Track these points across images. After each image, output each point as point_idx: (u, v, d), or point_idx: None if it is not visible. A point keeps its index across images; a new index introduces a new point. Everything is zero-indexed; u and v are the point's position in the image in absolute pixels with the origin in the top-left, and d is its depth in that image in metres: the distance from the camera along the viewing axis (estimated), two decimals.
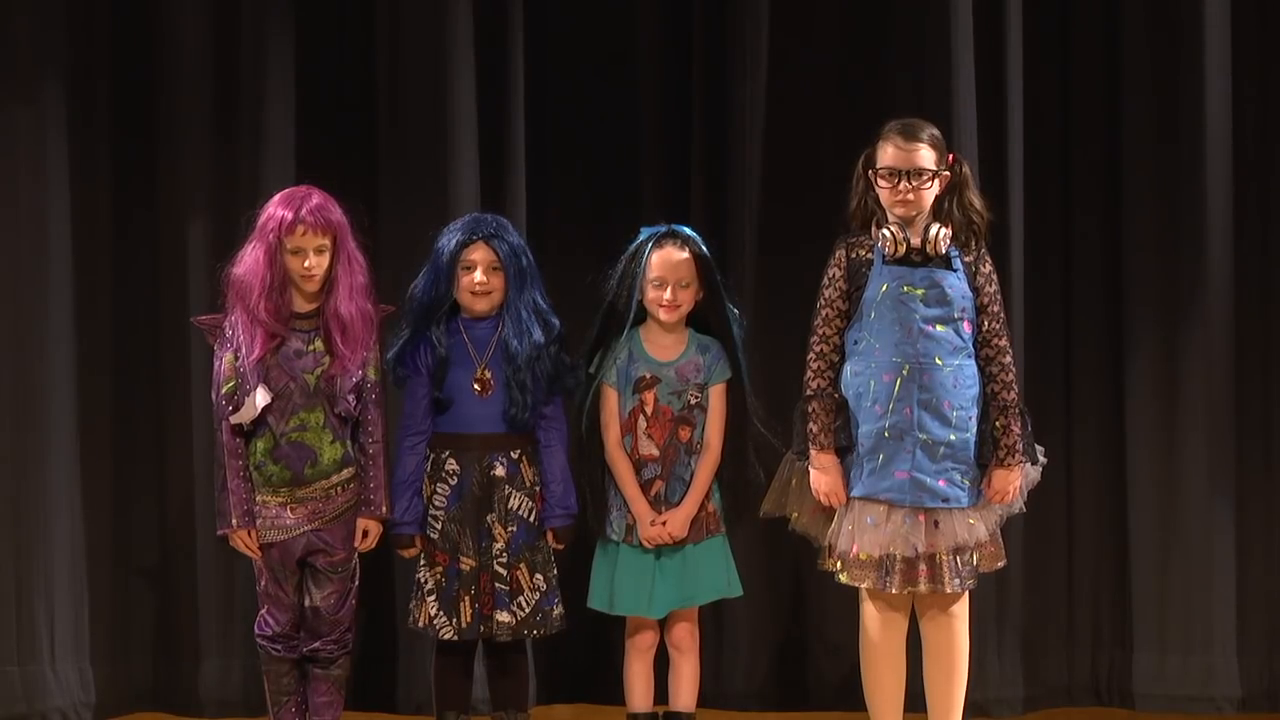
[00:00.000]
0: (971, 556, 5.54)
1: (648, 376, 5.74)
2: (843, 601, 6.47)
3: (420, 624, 5.73)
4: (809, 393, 5.58)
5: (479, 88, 6.50)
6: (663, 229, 5.76)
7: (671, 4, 6.69)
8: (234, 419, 5.60)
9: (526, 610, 5.70)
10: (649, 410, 5.73)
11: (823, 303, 5.60)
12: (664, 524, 5.71)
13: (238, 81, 6.51)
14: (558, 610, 5.75)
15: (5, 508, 6.36)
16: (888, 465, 5.48)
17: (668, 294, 5.70)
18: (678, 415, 5.74)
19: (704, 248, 5.74)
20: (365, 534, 5.72)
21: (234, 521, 5.64)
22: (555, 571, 5.77)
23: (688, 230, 5.77)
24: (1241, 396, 6.58)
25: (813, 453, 5.55)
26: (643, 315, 5.77)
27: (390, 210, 6.52)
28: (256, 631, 5.75)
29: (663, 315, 5.72)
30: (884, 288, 5.50)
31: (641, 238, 5.77)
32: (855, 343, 5.54)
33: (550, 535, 5.76)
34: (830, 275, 5.59)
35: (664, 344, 5.77)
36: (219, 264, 5.71)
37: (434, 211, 6.39)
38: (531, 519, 5.72)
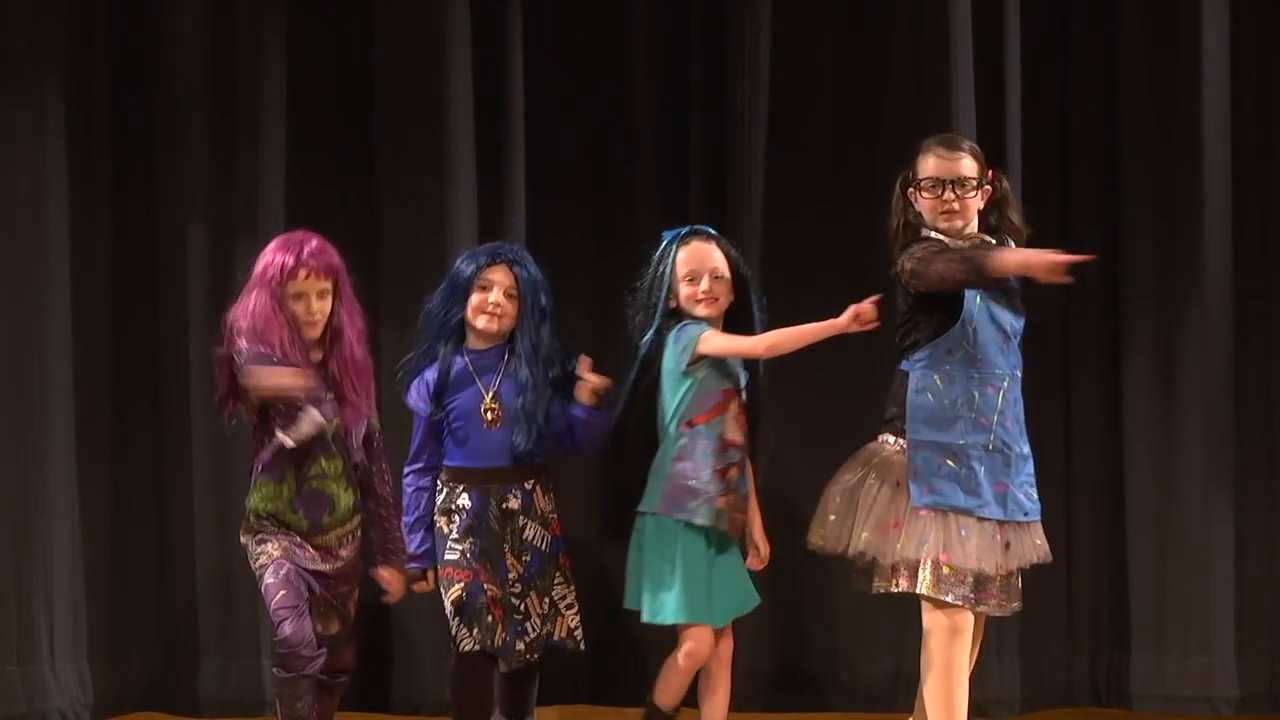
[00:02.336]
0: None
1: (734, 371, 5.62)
2: (842, 602, 6.50)
3: (464, 646, 5.63)
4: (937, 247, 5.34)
5: (476, 88, 6.49)
6: (685, 229, 5.65)
7: (670, 3, 6.68)
8: (290, 435, 5.41)
9: (533, 634, 5.64)
10: (737, 399, 5.60)
11: (923, 249, 5.36)
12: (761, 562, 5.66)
13: (234, 83, 6.51)
14: (575, 627, 5.69)
15: (5, 508, 6.36)
16: (990, 479, 5.40)
17: (704, 285, 5.56)
18: (745, 407, 5.65)
19: (731, 246, 5.65)
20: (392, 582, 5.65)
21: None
22: (572, 589, 5.69)
23: (710, 230, 5.68)
24: (1240, 395, 6.57)
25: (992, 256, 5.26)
26: (676, 319, 5.60)
27: (388, 213, 6.51)
28: (275, 648, 5.50)
29: (701, 310, 5.56)
30: (977, 299, 5.40)
31: (665, 240, 5.64)
32: (949, 352, 5.40)
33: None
34: (924, 244, 5.38)
35: None
36: (224, 272, 5.69)
37: (432, 215, 6.42)
38: (544, 548, 5.66)
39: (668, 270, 5.57)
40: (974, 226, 5.47)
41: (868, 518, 5.46)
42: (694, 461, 5.54)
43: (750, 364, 5.65)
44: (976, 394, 5.41)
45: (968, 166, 5.44)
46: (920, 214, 5.46)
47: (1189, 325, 6.54)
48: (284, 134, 6.51)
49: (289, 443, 5.40)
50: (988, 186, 5.48)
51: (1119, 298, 6.62)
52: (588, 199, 6.71)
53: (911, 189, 5.48)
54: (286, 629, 5.39)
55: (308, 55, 6.58)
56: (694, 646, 5.57)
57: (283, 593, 5.44)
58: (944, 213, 5.44)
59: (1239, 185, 6.58)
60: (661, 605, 5.56)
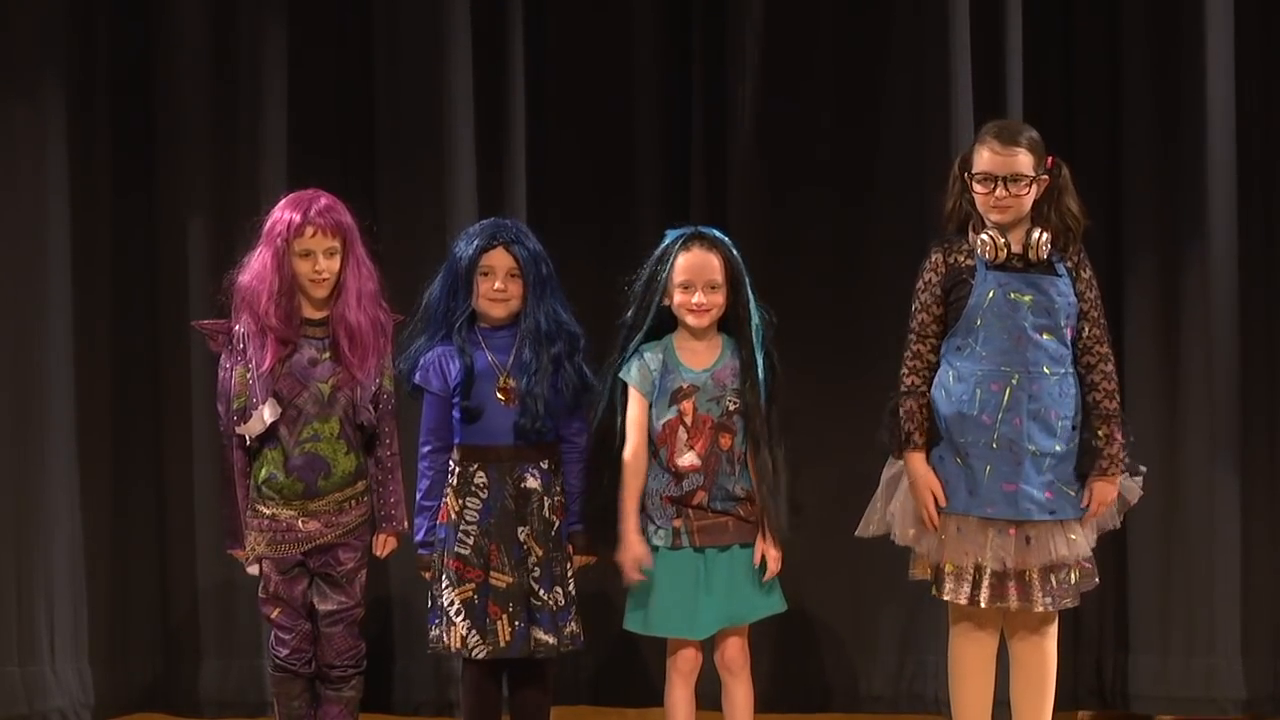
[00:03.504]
0: (1069, 575, 5.43)
1: (685, 386, 5.48)
2: (842, 601, 6.46)
3: (453, 648, 5.51)
4: (904, 389, 5.43)
5: (476, 87, 6.47)
6: (689, 230, 5.54)
7: (671, 2, 6.66)
8: (240, 430, 5.47)
9: (548, 623, 5.53)
10: (689, 420, 5.48)
11: (918, 306, 5.46)
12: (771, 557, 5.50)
13: (236, 79, 6.50)
14: (571, 627, 5.58)
15: (6, 509, 6.35)
16: (995, 478, 5.35)
17: (695, 297, 5.46)
18: (718, 423, 5.48)
19: (732, 249, 5.52)
20: (384, 546, 5.61)
21: (248, 540, 5.54)
22: (573, 587, 5.59)
23: (716, 232, 5.57)
24: (1245, 394, 6.52)
25: (907, 455, 5.41)
26: (669, 322, 5.55)
27: (389, 213, 6.48)
28: (271, 652, 5.61)
29: (691, 320, 5.48)
30: (990, 294, 5.37)
31: (667, 240, 5.55)
32: (958, 349, 5.40)
33: (571, 549, 5.61)
34: (926, 280, 5.45)
35: (697, 350, 5.52)
36: (225, 271, 5.58)
37: (433, 213, 6.40)
38: (554, 532, 5.58)
39: (665, 272, 5.50)
40: (1027, 218, 5.41)
41: (892, 503, 5.49)
42: (652, 487, 5.52)
43: (749, 375, 5.52)
44: (979, 391, 5.36)
45: (1023, 162, 5.35)
46: (974, 200, 5.42)
47: (1193, 319, 6.49)
48: (284, 132, 6.50)
49: (239, 431, 5.47)
50: (1045, 177, 5.40)
51: (1123, 291, 6.56)
52: (588, 197, 6.69)
53: (967, 175, 5.42)
54: (281, 651, 5.54)
55: (308, 52, 6.57)
56: (670, 659, 5.56)
57: (278, 610, 5.55)
58: (994, 207, 5.38)
59: (1242, 172, 6.54)
60: (632, 615, 5.56)
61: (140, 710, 6.56)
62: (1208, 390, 6.49)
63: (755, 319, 5.50)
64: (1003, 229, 5.39)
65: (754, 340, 5.49)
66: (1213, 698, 6.50)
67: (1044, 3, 6.61)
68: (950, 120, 6.36)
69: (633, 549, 5.47)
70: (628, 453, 5.50)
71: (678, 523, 5.48)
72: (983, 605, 5.40)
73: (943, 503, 5.39)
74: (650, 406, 5.51)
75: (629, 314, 5.54)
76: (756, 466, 5.49)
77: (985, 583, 5.39)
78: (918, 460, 5.41)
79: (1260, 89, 6.58)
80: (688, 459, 5.47)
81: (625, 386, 5.53)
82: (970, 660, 5.51)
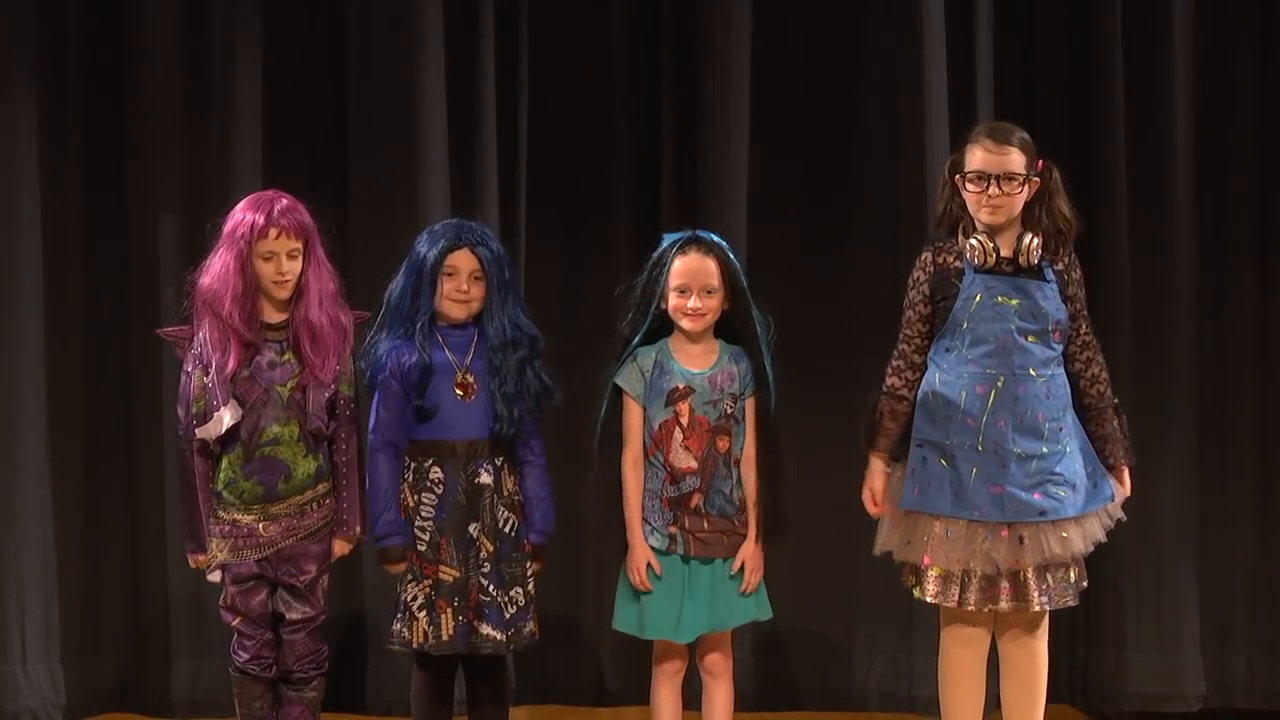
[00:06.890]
0: (1067, 573, 5.45)
1: (681, 387, 5.49)
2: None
3: (415, 642, 5.52)
4: (884, 389, 5.49)
5: (449, 86, 6.45)
6: (686, 234, 5.55)
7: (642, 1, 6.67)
8: (199, 433, 5.44)
9: (498, 622, 5.52)
10: (685, 421, 5.48)
11: (906, 304, 5.50)
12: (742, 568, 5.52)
13: (207, 78, 6.48)
14: (529, 626, 5.57)
15: None
16: (981, 480, 5.37)
17: (691, 301, 5.46)
18: (714, 425, 5.49)
19: (730, 254, 5.54)
20: (336, 550, 5.59)
21: (210, 547, 5.51)
22: (531, 586, 5.58)
23: (713, 236, 5.57)
24: (1203, 394, 6.57)
25: (871, 454, 5.49)
26: (668, 325, 5.55)
27: (361, 211, 6.48)
28: (232, 655, 5.60)
29: (686, 324, 5.49)
30: (978, 298, 5.39)
31: (665, 244, 5.55)
32: (946, 350, 5.43)
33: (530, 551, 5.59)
34: (915, 279, 5.49)
35: (693, 353, 5.53)
36: (186, 272, 5.55)
37: (406, 212, 6.37)
38: (509, 531, 5.57)
39: (663, 276, 5.50)
40: (1018, 221, 5.43)
41: (888, 517, 5.53)
42: (649, 489, 5.54)
43: (760, 377, 5.54)
44: (965, 393, 5.39)
45: (1015, 161, 5.37)
46: (964, 203, 5.43)
47: (1156, 332, 6.52)
48: (257, 131, 6.48)
49: (199, 434, 5.44)
50: (1035, 179, 5.42)
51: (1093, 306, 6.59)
52: (560, 192, 6.67)
53: (959, 177, 5.43)
54: (243, 655, 5.54)
55: (280, 52, 6.54)
56: (656, 660, 5.60)
57: (238, 618, 5.53)
58: (987, 207, 5.40)
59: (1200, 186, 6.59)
60: (624, 616, 5.59)
61: (111, 710, 6.55)
62: (1171, 389, 6.53)
63: (758, 323, 5.52)
64: (992, 233, 5.40)
65: (762, 343, 5.51)
66: (1182, 693, 6.53)
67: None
68: (923, 119, 6.40)
69: (640, 554, 5.49)
70: (627, 459, 5.52)
71: (673, 529, 5.50)
72: (971, 607, 5.41)
73: (881, 508, 5.49)
74: (645, 410, 5.52)
75: (627, 318, 5.55)
76: (766, 466, 5.52)
77: (974, 585, 5.41)
78: (875, 462, 5.50)
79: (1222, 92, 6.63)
80: (684, 460, 5.49)
81: (620, 390, 5.54)
82: (961, 664, 5.51)
